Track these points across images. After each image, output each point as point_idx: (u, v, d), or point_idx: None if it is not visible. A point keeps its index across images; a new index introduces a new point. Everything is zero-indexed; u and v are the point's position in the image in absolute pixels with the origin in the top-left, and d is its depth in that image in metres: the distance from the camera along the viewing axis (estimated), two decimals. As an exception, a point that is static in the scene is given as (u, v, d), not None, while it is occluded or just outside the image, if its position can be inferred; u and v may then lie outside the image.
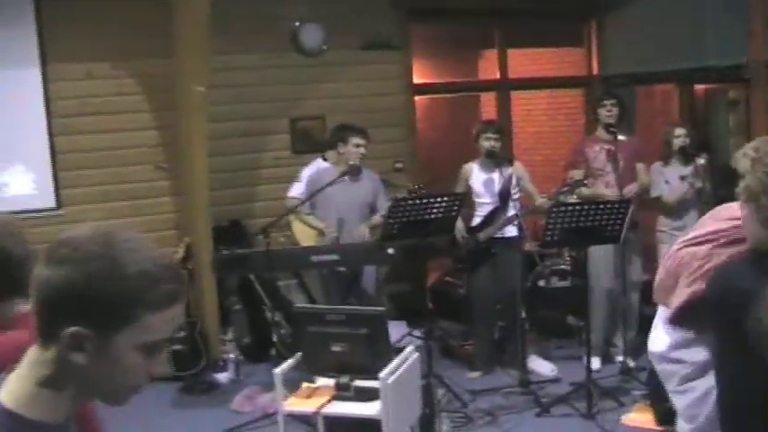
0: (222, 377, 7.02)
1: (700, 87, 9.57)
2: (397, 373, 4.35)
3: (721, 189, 6.56)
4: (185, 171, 7.30)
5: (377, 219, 6.33)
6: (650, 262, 7.64)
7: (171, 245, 7.31)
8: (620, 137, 6.36)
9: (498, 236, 6.47)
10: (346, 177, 6.12)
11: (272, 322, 7.25)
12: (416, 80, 8.69)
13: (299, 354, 4.62)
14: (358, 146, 6.20)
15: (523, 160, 11.23)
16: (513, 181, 6.35)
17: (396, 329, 7.74)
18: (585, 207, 5.44)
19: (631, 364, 6.44)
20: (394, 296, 8.40)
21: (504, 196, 6.40)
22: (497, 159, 6.34)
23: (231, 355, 7.06)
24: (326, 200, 6.29)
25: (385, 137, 8.24)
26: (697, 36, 7.85)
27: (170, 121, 7.37)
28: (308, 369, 4.61)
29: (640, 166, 6.66)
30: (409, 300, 8.27)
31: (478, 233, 6.50)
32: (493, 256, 6.50)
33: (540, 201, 6.31)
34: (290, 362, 4.60)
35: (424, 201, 5.54)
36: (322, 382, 4.63)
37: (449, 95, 10.95)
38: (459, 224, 6.49)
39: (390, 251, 5.92)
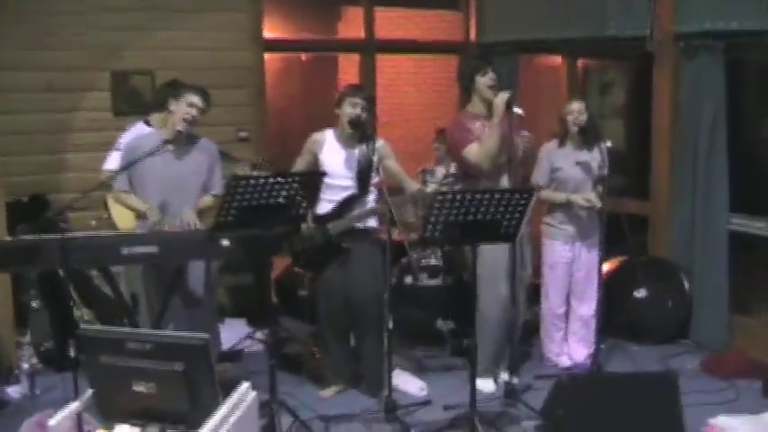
0: (13, 392, 5.62)
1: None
2: (227, 426, 3.07)
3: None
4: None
5: (206, 200, 5.05)
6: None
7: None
8: (517, 110, 5.19)
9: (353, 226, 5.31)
10: (170, 147, 4.74)
11: (80, 322, 5.94)
12: (267, 35, 7.34)
13: (90, 392, 3.28)
14: (191, 105, 4.86)
15: (381, 134, 10.16)
16: (375, 160, 5.13)
17: (234, 329, 6.56)
18: (477, 197, 4.27)
19: (515, 381, 5.37)
20: (233, 289, 7.14)
21: (364, 178, 5.20)
22: (362, 132, 5.11)
23: (25, 365, 5.60)
24: (146, 175, 4.94)
25: (227, 100, 6.97)
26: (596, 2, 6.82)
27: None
28: (103, 414, 3.28)
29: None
30: (250, 293, 7.05)
31: (329, 224, 5.27)
32: (345, 252, 5.29)
33: (417, 188, 5.13)
34: (73, 407, 3.25)
35: (271, 181, 4.27)
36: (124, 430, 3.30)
37: (302, 55, 9.70)
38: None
39: (225, 243, 4.60)
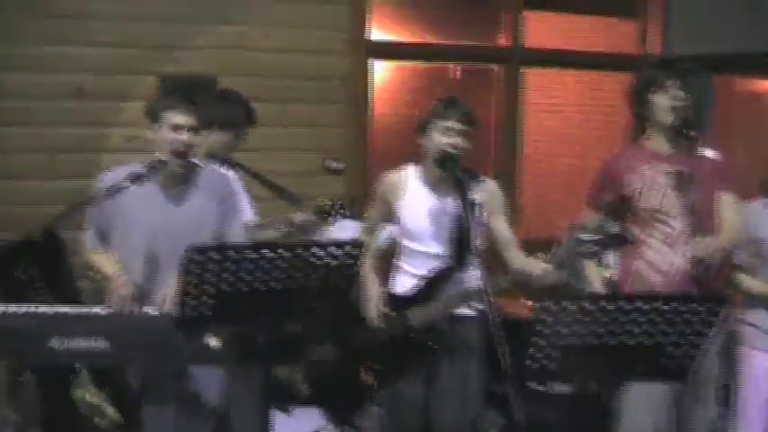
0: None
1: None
2: None
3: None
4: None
5: None
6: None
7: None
8: (706, 151, 3.39)
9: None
10: (134, 186, 3.09)
11: (83, 403, 4.46)
12: (377, 36, 5.67)
13: None
14: (177, 127, 3.24)
15: (539, 170, 8.25)
16: (479, 215, 3.35)
17: (305, 423, 4.92)
18: (625, 307, 2.38)
19: None
20: (311, 365, 5.45)
21: (460, 244, 3.39)
22: (458, 170, 3.31)
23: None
24: (128, 226, 3.39)
25: (313, 119, 5.43)
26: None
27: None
28: None
29: (727, 200, 3.58)
30: (331, 371, 5.29)
31: (408, 311, 3.50)
32: (430, 353, 3.53)
33: (528, 266, 3.32)
34: None
35: (268, 255, 2.55)
36: None
37: (452, 69, 7.84)
38: (374, 290, 3.54)
39: (213, 343, 2.91)
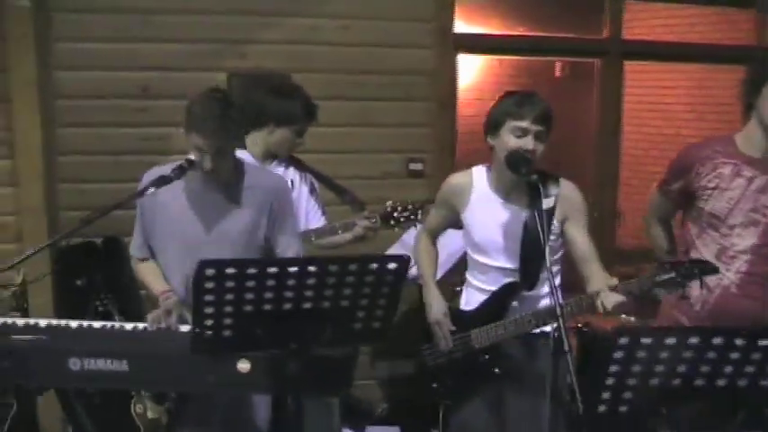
0: None
1: None
2: None
3: None
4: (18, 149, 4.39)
5: None
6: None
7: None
8: None
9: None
10: (153, 189, 2.78)
11: (143, 419, 4.15)
12: (461, 28, 5.25)
13: None
14: (199, 150, 2.89)
15: (643, 173, 7.73)
16: (555, 224, 2.97)
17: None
18: (714, 342, 1.95)
19: None
20: (389, 383, 5.12)
21: (531, 259, 2.99)
22: (533, 174, 2.89)
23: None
24: (166, 233, 3.09)
25: (396, 118, 5.02)
26: None
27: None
28: None
29: None
30: (412, 387, 4.93)
31: (472, 330, 3.13)
32: (495, 378, 3.19)
33: (603, 290, 2.84)
34: None
35: (293, 270, 2.20)
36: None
37: (557, 67, 7.38)
38: (437, 302, 3.14)
39: (244, 367, 2.58)
